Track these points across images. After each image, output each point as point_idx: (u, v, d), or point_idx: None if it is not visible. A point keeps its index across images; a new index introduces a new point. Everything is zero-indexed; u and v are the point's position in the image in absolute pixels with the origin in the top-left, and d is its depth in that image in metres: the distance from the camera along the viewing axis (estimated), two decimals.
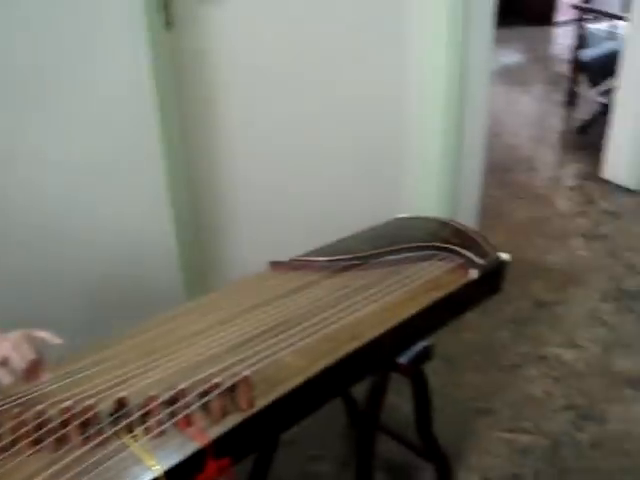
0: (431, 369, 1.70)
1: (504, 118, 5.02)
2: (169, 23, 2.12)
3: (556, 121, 5.13)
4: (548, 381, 2.53)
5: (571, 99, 5.27)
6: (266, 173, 2.52)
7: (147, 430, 1.08)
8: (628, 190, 4.05)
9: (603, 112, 4.45)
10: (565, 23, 7.22)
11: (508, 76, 5.96)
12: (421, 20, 2.57)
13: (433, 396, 1.80)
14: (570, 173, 4.27)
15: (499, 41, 6.70)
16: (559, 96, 5.42)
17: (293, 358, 1.30)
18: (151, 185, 2.19)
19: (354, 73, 2.56)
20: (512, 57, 6.61)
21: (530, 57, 6.59)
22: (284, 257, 1.77)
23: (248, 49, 2.32)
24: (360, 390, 1.67)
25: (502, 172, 4.19)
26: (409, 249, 1.73)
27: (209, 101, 2.33)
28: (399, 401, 1.97)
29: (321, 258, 1.73)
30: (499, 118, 4.98)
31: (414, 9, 2.55)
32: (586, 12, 5.50)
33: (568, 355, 2.67)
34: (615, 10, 5.29)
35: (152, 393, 1.16)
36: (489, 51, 2.77)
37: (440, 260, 1.69)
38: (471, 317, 2.61)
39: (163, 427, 1.09)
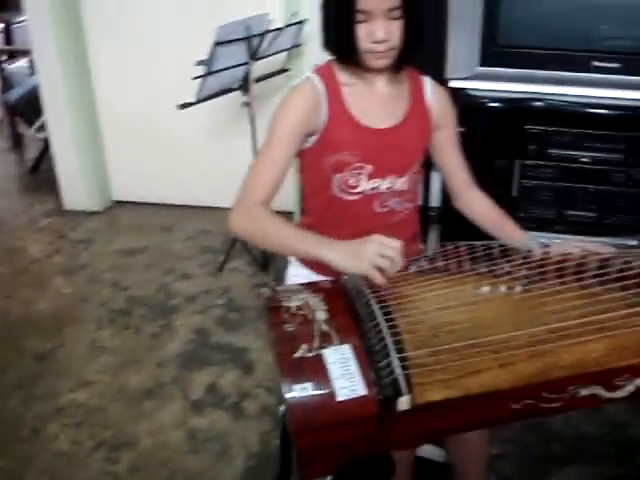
0: None
1: None
2: None
3: (9, 168, 4.99)
4: (72, 430, 2.46)
5: (16, 142, 5.19)
6: None
7: None
8: (92, 213, 4.16)
9: (47, 147, 4.46)
10: None
11: None
12: None
13: None
14: (36, 215, 4.18)
15: None
16: (5, 142, 5.29)
17: None
18: None
19: None
20: None
21: None
22: None
23: None
24: None
25: None
26: None
27: None
28: None
29: None
30: None
31: None
32: (1, 53, 5.46)
33: (82, 396, 2.62)
34: None
35: None
36: None
37: None
38: None
39: None
